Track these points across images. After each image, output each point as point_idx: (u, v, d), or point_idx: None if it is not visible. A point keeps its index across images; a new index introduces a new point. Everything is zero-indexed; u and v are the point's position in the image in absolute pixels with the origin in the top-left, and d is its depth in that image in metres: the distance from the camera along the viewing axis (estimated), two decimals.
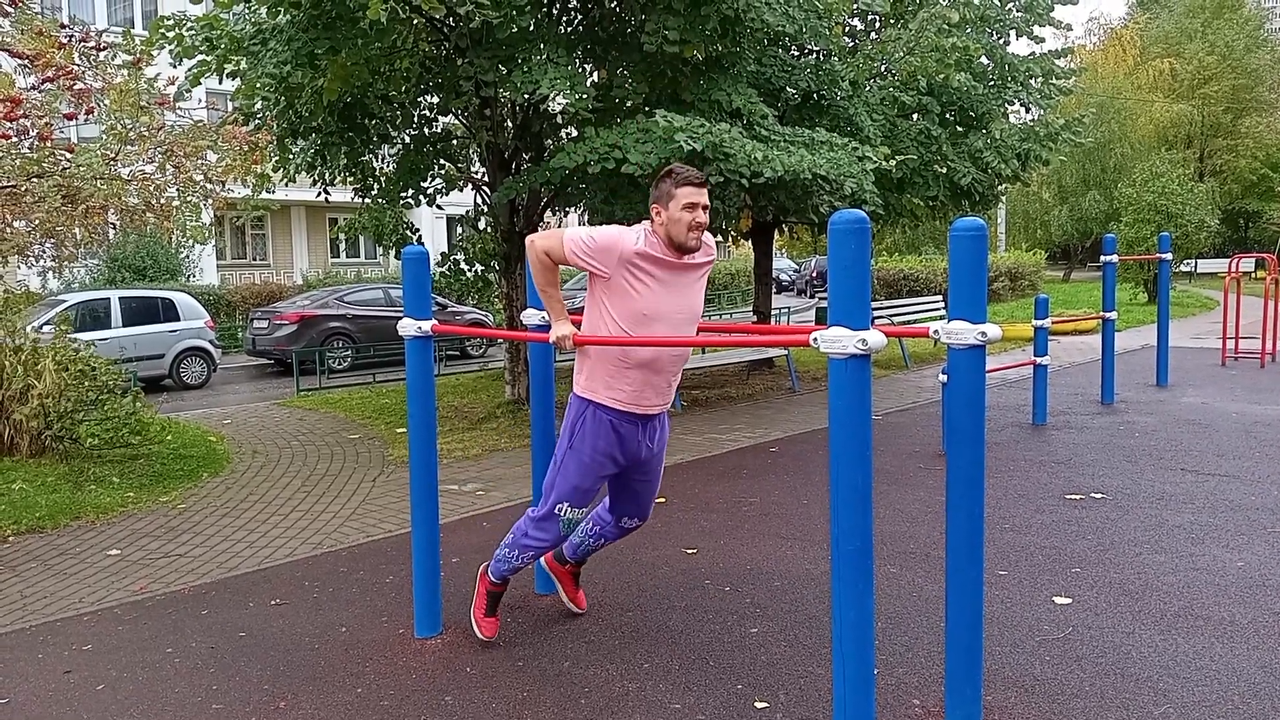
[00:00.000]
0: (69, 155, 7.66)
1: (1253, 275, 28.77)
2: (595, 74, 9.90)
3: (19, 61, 7.53)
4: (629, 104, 8.88)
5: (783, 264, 40.18)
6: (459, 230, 11.25)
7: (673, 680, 3.60)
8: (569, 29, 9.20)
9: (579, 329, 3.68)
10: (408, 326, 4.00)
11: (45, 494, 6.85)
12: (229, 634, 4.29)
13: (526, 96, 7.92)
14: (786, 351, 11.80)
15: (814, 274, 35.66)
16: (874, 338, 2.64)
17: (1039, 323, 8.71)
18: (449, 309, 17.56)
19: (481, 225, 10.99)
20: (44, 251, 8.68)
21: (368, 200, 10.48)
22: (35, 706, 3.64)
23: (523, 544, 3.89)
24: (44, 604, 4.85)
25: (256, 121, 9.30)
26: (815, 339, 2.72)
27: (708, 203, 3.54)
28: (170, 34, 8.04)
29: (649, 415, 3.72)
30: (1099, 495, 6.03)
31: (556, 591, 4.37)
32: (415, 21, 8.08)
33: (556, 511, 3.77)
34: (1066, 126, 10.96)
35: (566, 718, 3.34)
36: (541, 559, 4.33)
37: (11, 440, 7.73)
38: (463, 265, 10.96)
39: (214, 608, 4.67)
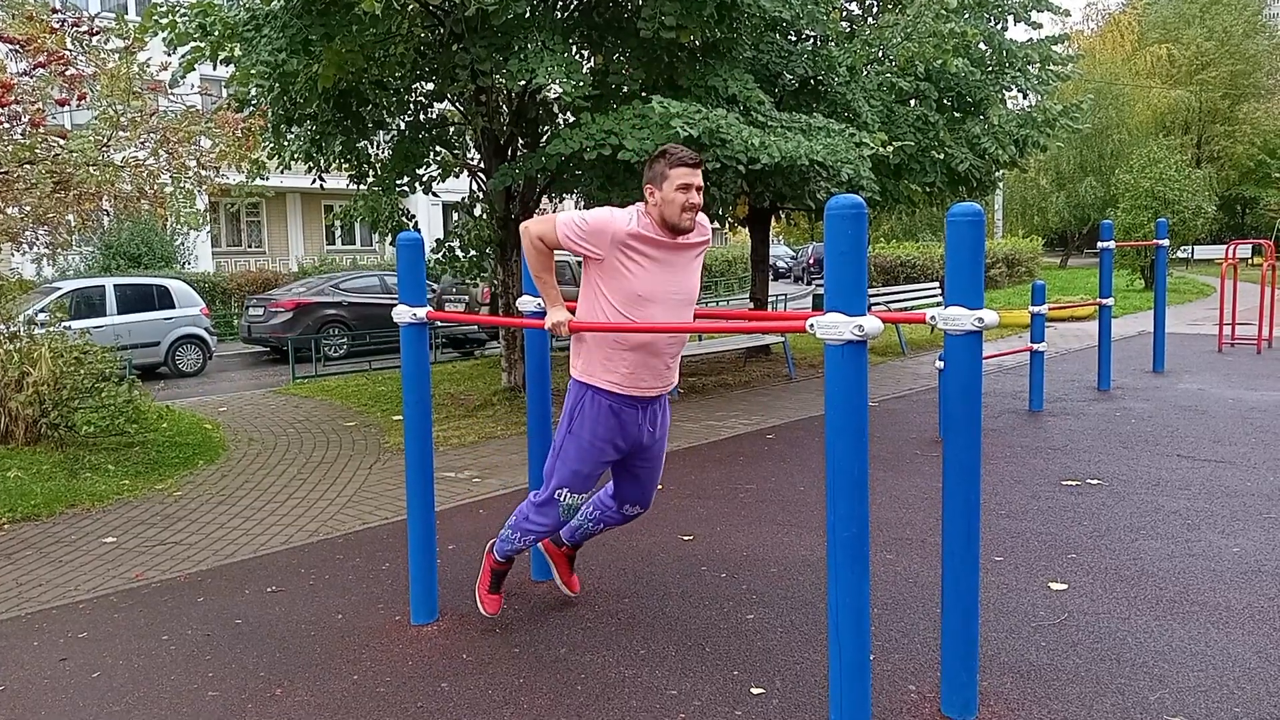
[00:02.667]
0: (61, 141, 7.62)
1: (1249, 261, 28.78)
2: (591, 60, 9.85)
3: (10, 46, 7.48)
4: (625, 90, 8.84)
5: (780, 250, 40.16)
6: (455, 217, 11.22)
7: (669, 666, 3.60)
8: (565, 15, 9.15)
9: (574, 315, 3.67)
10: (403, 313, 3.99)
11: (41, 482, 6.83)
12: (225, 621, 4.29)
13: (522, 84, 7.88)
14: (783, 338, 11.79)
15: (811, 260, 35.66)
16: (870, 324, 2.63)
17: (1036, 309, 8.71)
18: (444, 296, 17.51)
19: (478, 212, 10.95)
20: (37, 238, 8.64)
21: (363, 187, 10.44)
22: (31, 694, 3.64)
23: (524, 528, 3.90)
24: (40, 592, 4.85)
25: (251, 108, 9.25)
26: (812, 325, 2.71)
27: (702, 184, 3.52)
28: (164, 20, 7.99)
29: (649, 398, 3.70)
30: (1095, 481, 6.04)
31: (553, 576, 4.37)
32: (410, 7, 8.03)
33: (556, 497, 3.76)
34: (1064, 112, 10.93)
35: (563, 704, 3.34)
36: (540, 542, 4.32)
37: (7, 428, 7.71)
38: (458, 252, 10.94)
39: (210, 595, 4.66)
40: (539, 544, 4.35)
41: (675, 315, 3.59)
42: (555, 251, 3.66)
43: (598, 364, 3.63)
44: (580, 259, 3.62)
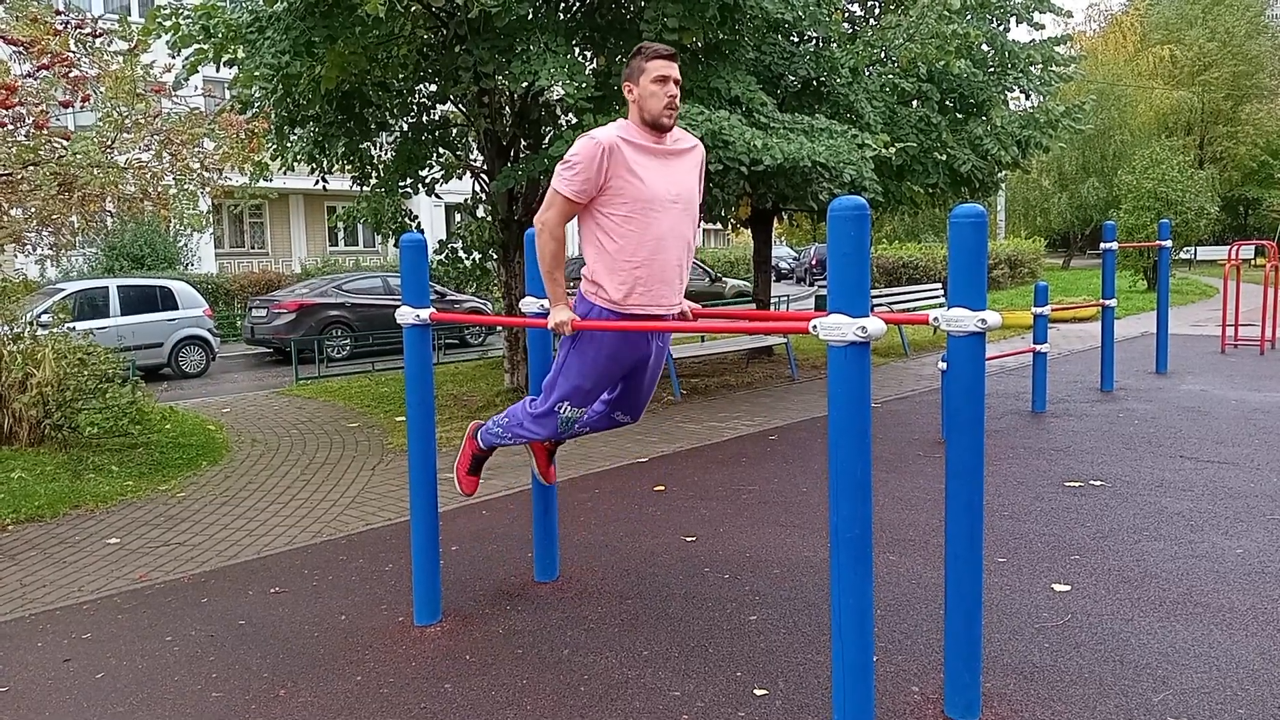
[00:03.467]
0: (65, 143, 7.64)
1: (1252, 262, 28.74)
2: (594, 61, 9.86)
3: (14, 48, 7.50)
4: None
5: (782, 252, 40.14)
6: (458, 218, 11.23)
7: (672, 667, 3.60)
8: (567, 16, 9.16)
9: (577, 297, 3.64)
10: (406, 314, 3.99)
11: (44, 483, 6.85)
12: (229, 622, 4.30)
13: (525, 85, 7.89)
14: (786, 339, 11.79)
15: (813, 262, 35.62)
16: (873, 325, 2.63)
17: (1038, 310, 8.69)
18: (447, 297, 17.54)
19: (480, 213, 10.96)
20: (41, 240, 8.67)
21: (366, 189, 10.45)
22: (35, 695, 3.64)
23: (516, 431, 3.87)
24: (43, 592, 4.86)
25: (254, 110, 9.26)
26: (815, 326, 2.71)
27: (679, 76, 3.48)
28: (167, 23, 8.01)
29: (656, 317, 3.61)
30: (1098, 483, 6.03)
31: (552, 576, 4.37)
32: (413, 9, 8.04)
33: (556, 410, 3.72)
34: (1067, 113, 10.92)
35: (566, 705, 3.34)
36: None
37: (10, 429, 7.73)
38: (461, 254, 10.94)
39: (213, 596, 4.67)
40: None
41: (678, 223, 3.53)
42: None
43: (607, 279, 3.54)
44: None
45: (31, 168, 7.39)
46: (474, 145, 10.98)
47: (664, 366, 3.96)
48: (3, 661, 3.99)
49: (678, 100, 3.48)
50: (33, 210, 7.95)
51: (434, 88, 9.97)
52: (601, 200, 3.48)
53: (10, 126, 7.42)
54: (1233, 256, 12.96)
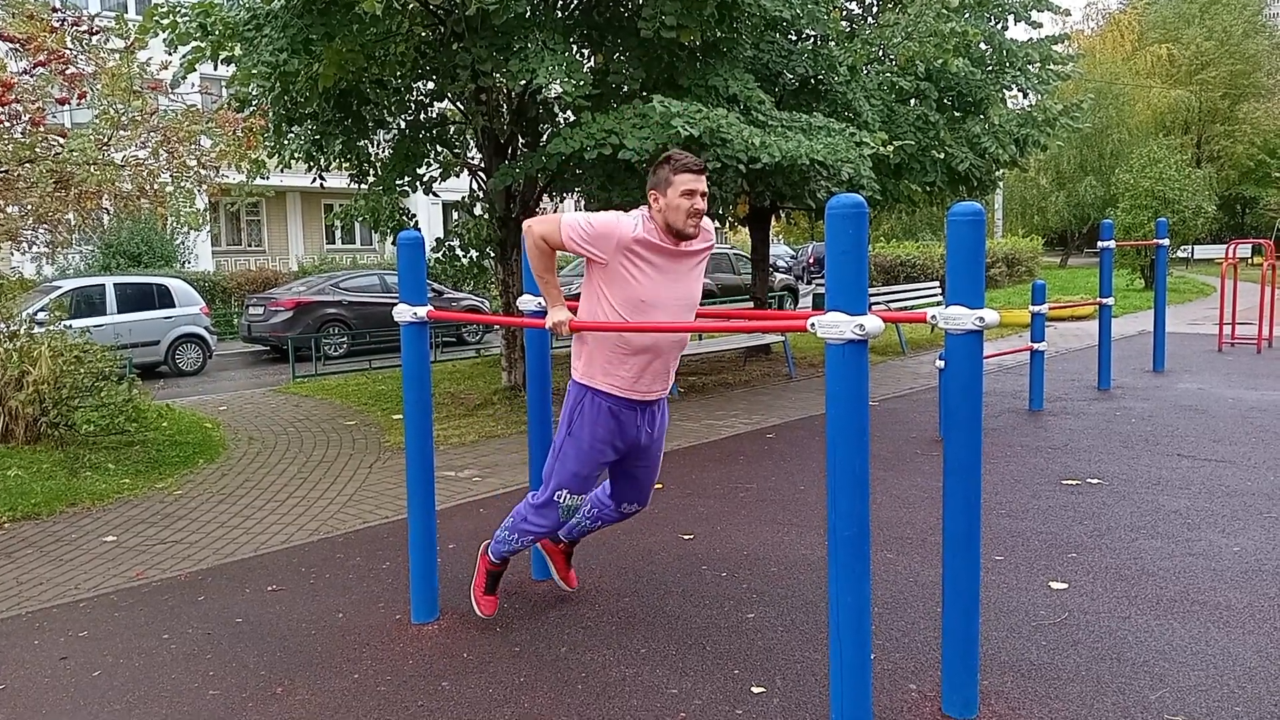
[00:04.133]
0: (61, 140, 7.62)
1: (1249, 261, 28.78)
2: (592, 59, 9.85)
3: (10, 45, 7.48)
4: (626, 90, 8.84)
5: (780, 250, 40.12)
6: (455, 216, 11.22)
7: (670, 665, 3.60)
8: (565, 14, 9.15)
9: (575, 315, 3.67)
10: (403, 312, 3.99)
11: (41, 481, 6.83)
12: (225, 620, 4.29)
13: (523, 83, 7.88)
14: (784, 337, 11.79)
15: (811, 260, 35.62)
16: (871, 323, 2.63)
17: (1036, 308, 8.71)
18: (445, 295, 17.53)
19: (478, 211, 10.95)
20: (37, 237, 8.65)
21: (364, 187, 10.44)
22: (31, 693, 3.64)
23: (522, 529, 3.91)
24: (40, 590, 4.85)
25: (251, 107, 9.25)
26: (812, 324, 2.71)
27: (706, 189, 3.53)
28: (164, 20, 7.99)
29: (648, 401, 3.72)
30: (1095, 481, 6.04)
31: (551, 575, 4.37)
32: (410, 7, 8.03)
33: (556, 499, 3.77)
34: (1064, 112, 10.93)
35: (563, 703, 3.34)
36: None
37: (7, 427, 7.71)
38: (458, 251, 10.93)
39: (210, 594, 4.66)
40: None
41: (677, 321, 3.60)
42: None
43: (599, 367, 3.64)
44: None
45: (28, 165, 7.38)
46: (472, 143, 10.97)
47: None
48: None
49: (703, 212, 3.53)
50: (29, 207, 7.94)
51: (431, 85, 9.95)
52: (606, 278, 3.54)
53: (6, 123, 7.40)
54: (1230, 255, 12.97)
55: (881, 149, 8.51)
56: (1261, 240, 15.04)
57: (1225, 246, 12.92)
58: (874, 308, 2.79)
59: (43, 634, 4.25)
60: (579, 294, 3.74)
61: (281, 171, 10.21)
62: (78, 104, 7.89)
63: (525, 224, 3.63)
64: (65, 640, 4.16)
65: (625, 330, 3.52)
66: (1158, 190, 22.51)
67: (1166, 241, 10.49)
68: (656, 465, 3.95)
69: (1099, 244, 9.73)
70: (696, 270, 3.67)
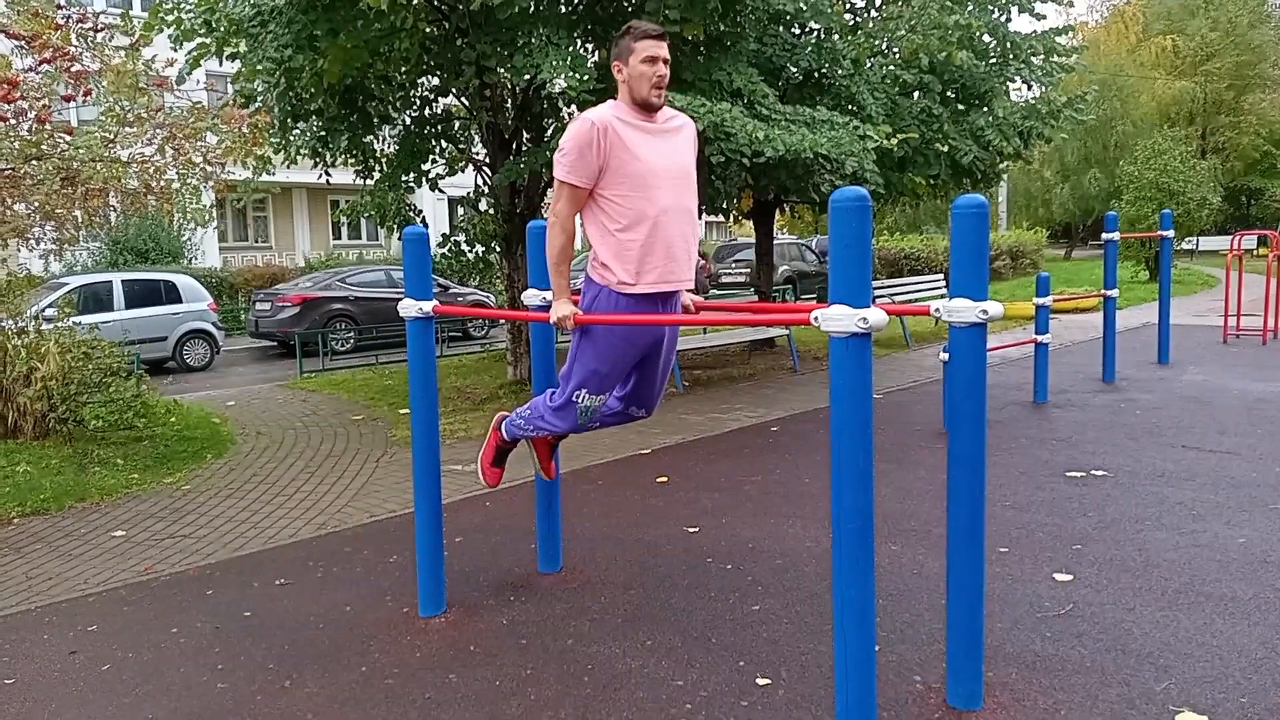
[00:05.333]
0: (67, 137, 7.65)
1: (1254, 253, 28.67)
2: (596, 54, 9.85)
3: (16, 43, 7.50)
4: None
5: (812, 241, 40.03)
6: (460, 211, 11.23)
7: (675, 658, 3.62)
8: (569, 9, 9.14)
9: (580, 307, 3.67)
10: (409, 307, 4.00)
11: (50, 476, 6.87)
12: (234, 614, 4.32)
13: (527, 78, 7.88)
14: (788, 331, 11.79)
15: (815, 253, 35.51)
16: (875, 316, 2.64)
17: (1040, 301, 8.70)
18: (450, 290, 17.55)
19: (483, 206, 10.96)
20: (45, 234, 8.68)
21: (369, 182, 10.45)
22: (41, 687, 3.67)
23: (538, 424, 3.89)
24: (49, 585, 4.88)
25: (257, 104, 9.26)
26: (816, 318, 2.72)
27: (668, 56, 3.49)
28: (169, 17, 8.01)
29: (664, 295, 3.63)
30: (1100, 473, 6.04)
31: (557, 567, 4.38)
32: (415, 2, 8.03)
33: (574, 399, 3.72)
34: (1069, 104, 10.90)
35: (570, 695, 3.36)
36: None
37: (15, 423, 7.75)
38: (464, 246, 10.95)
39: (219, 588, 4.69)
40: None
41: (678, 195, 3.55)
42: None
43: (610, 260, 3.55)
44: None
45: (34, 162, 7.40)
46: (476, 138, 10.98)
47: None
48: (9, 654, 4.01)
49: (666, 79, 3.50)
50: (36, 205, 7.96)
51: (436, 81, 9.96)
52: (601, 182, 3.49)
53: (13, 121, 7.42)
54: (1235, 247, 12.94)
55: (885, 142, 8.51)
56: (1267, 231, 14.99)
57: (1230, 238, 12.89)
58: (878, 301, 2.80)
59: (52, 628, 4.28)
60: (580, 289, 3.75)
61: (287, 167, 10.23)
62: (83, 101, 7.91)
63: (548, 215, 3.60)
64: (75, 634, 4.19)
65: (630, 322, 3.52)
66: (1162, 182, 22.43)
67: (1171, 233, 10.46)
68: (669, 367, 3.91)
69: (1103, 236, 9.71)
70: (685, 145, 3.63)
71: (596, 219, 3.57)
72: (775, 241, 23.90)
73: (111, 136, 7.73)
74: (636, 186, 3.45)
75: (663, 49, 3.46)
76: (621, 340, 3.61)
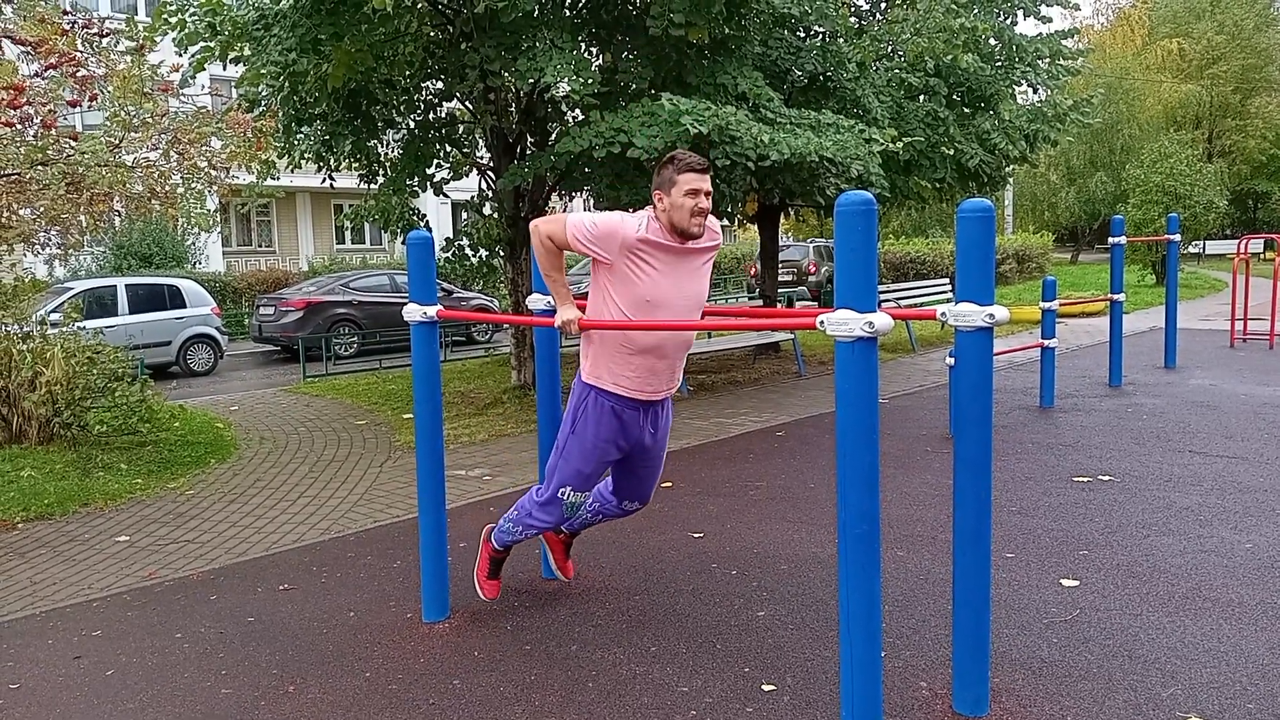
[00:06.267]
0: (73, 142, 7.66)
1: (1261, 256, 28.57)
2: (600, 58, 9.85)
3: (22, 49, 7.52)
4: (634, 88, 8.83)
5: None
6: (464, 215, 11.23)
7: (680, 663, 3.61)
8: (573, 13, 9.15)
9: (584, 314, 3.67)
10: (413, 312, 4.00)
11: (54, 481, 6.87)
12: (238, 619, 4.31)
13: (531, 82, 7.88)
14: (793, 335, 11.77)
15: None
16: (881, 320, 2.63)
17: (1046, 305, 8.68)
18: (454, 294, 17.56)
19: (486, 210, 10.96)
20: (50, 239, 8.69)
21: (374, 187, 10.46)
22: (45, 691, 3.66)
23: (526, 522, 3.95)
24: (53, 590, 4.88)
25: (261, 108, 9.28)
26: (822, 322, 2.71)
27: (710, 189, 3.52)
28: (173, 19, 8.02)
29: (652, 401, 3.73)
30: (1106, 478, 6.02)
31: (548, 564, 4.37)
32: (419, 6, 8.05)
33: (560, 495, 3.80)
34: (1074, 107, 10.88)
35: (574, 701, 3.35)
36: None
37: (20, 428, 7.76)
38: (468, 251, 10.95)
39: (222, 593, 4.68)
40: None
41: (683, 321, 3.61)
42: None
43: (604, 366, 3.66)
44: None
45: (40, 167, 7.42)
46: (480, 143, 10.98)
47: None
48: (14, 658, 4.01)
49: (708, 211, 3.53)
50: (41, 210, 7.98)
51: (440, 85, 9.96)
52: (612, 278, 3.54)
53: (19, 126, 7.44)
54: (1242, 250, 12.90)
55: (891, 145, 8.49)
56: (1274, 235, 14.95)
57: (1237, 242, 12.85)
58: (883, 305, 2.79)
59: (57, 633, 4.28)
60: (588, 292, 3.75)
61: (291, 172, 10.24)
62: (89, 106, 7.93)
63: (532, 224, 3.64)
64: (79, 639, 4.18)
65: (635, 329, 3.52)
66: (1169, 185, 22.40)
67: (1178, 237, 10.44)
68: (659, 464, 3.97)
69: (1110, 240, 9.69)
70: (703, 269, 3.67)
71: (600, 308, 3.62)
72: (813, 244, 23.96)
73: (117, 141, 7.75)
74: (642, 306, 3.52)
75: (705, 182, 3.48)
76: (606, 441, 3.70)
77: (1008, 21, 10.85)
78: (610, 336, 3.61)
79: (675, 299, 3.55)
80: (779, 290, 13.80)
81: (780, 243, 14.50)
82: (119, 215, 9.25)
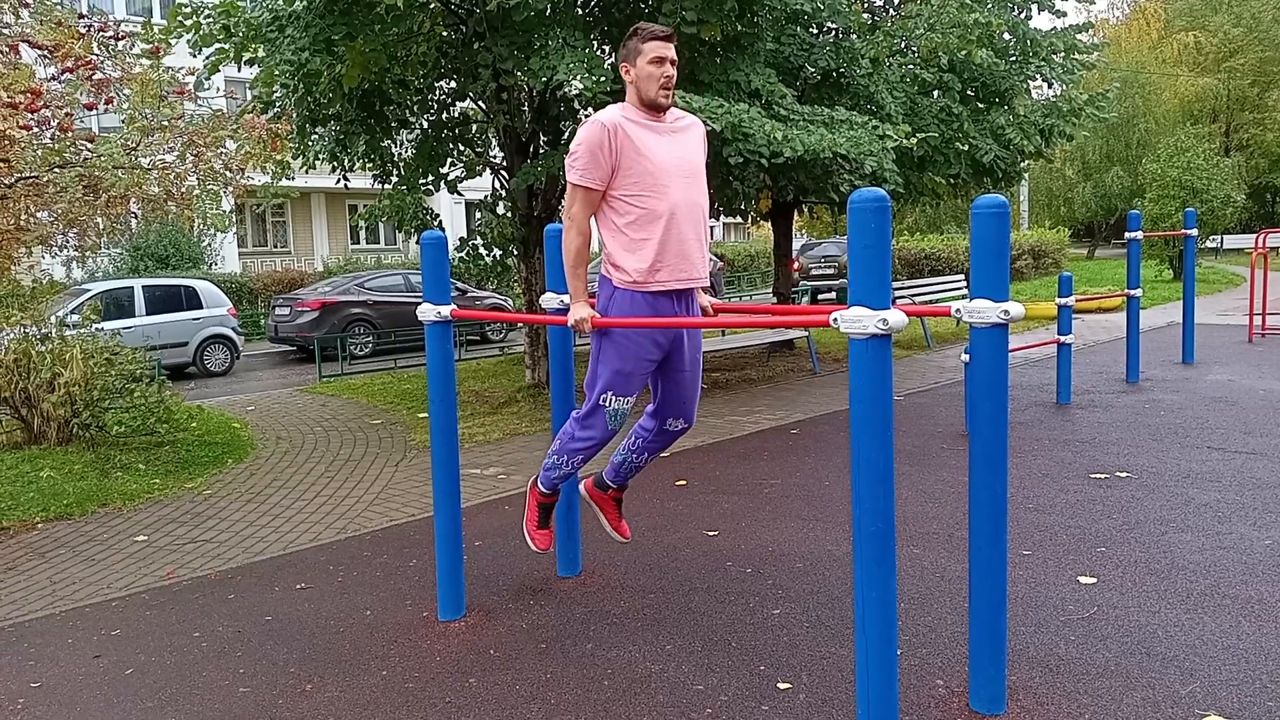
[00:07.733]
0: (90, 145, 7.71)
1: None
2: (612, 56, 9.85)
3: (39, 52, 7.56)
4: None
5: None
6: (478, 215, 11.25)
7: (695, 662, 3.61)
8: (585, 11, 9.15)
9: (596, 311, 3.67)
10: (427, 311, 4.01)
11: (73, 481, 6.93)
12: (255, 618, 4.34)
13: (544, 81, 7.89)
14: (807, 332, 11.75)
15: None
16: (895, 317, 2.62)
17: (1063, 301, 8.63)
18: (468, 294, 17.61)
19: (500, 210, 10.98)
20: (67, 241, 8.75)
21: (388, 187, 10.49)
22: (65, 690, 3.69)
23: (570, 448, 3.86)
24: (73, 590, 4.91)
25: (275, 110, 9.32)
26: (836, 319, 2.70)
27: (675, 57, 3.52)
28: (188, 21, 8.06)
29: (680, 291, 3.64)
30: (1124, 474, 5.98)
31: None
32: (432, 5, 8.06)
33: (602, 402, 3.70)
34: (1090, 102, 10.82)
35: (589, 699, 3.35)
36: (583, 488, 4.21)
37: (39, 429, 7.82)
38: (481, 250, 10.97)
39: (240, 592, 4.71)
40: (585, 491, 4.21)
41: (687, 190, 3.57)
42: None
43: (626, 258, 3.57)
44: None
45: (57, 171, 7.46)
46: (494, 142, 11.00)
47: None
48: (34, 657, 4.05)
49: (673, 80, 3.53)
50: (59, 212, 8.03)
51: (453, 85, 9.99)
52: (613, 183, 3.52)
53: (36, 130, 7.49)
54: (1260, 245, 12.79)
55: (904, 141, 8.46)
56: None
57: (1255, 236, 12.75)
58: (898, 302, 2.78)
59: (76, 632, 4.31)
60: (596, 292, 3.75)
61: (306, 172, 10.29)
62: (105, 109, 7.97)
63: (563, 218, 3.63)
64: (98, 639, 4.22)
65: (646, 325, 3.52)
66: (1185, 180, 22.23)
67: (1195, 232, 10.37)
68: (699, 373, 3.87)
69: (1126, 235, 9.63)
70: (694, 144, 3.66)
71: (609, 219, 3.60)
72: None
73: (133, 144, 7.79)
74: (647, 185, 3.48)
75: (669, 50, 3.50)
76: (642, 335, 3.61)
77: (1022, 16, 10.78)
78: (625, 225, 3.55)
79: (674, 164, 3.53)
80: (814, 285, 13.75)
81: (814, 238, 14.44)
82: (135, 217, 9.30)
